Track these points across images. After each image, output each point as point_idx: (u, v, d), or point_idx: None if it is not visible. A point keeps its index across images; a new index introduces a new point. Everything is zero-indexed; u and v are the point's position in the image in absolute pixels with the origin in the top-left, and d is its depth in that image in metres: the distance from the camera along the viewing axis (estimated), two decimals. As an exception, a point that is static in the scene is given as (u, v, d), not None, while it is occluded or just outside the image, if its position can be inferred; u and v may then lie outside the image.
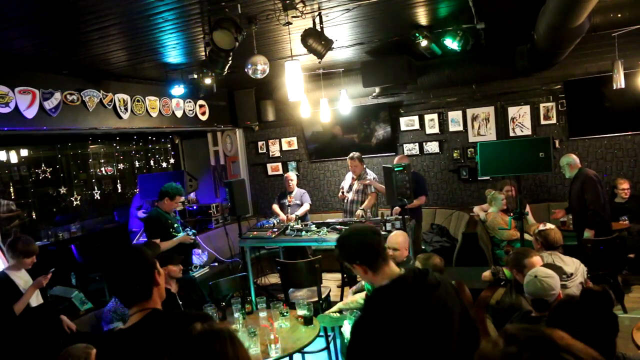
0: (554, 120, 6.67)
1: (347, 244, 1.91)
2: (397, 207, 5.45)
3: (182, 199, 5.88)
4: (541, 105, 6.72)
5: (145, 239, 5.18)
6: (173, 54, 5.18)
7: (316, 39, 4.03)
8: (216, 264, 6.63)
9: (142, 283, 1.78)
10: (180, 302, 3.94)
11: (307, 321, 3.67)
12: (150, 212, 5.11)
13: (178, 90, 5.92)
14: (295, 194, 6.66)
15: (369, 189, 6.13)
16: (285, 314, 3.75)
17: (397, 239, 3.80)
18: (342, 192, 6.39)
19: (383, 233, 4.72)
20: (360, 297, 3.58)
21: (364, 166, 6.30)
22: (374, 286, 1.90)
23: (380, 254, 1.84)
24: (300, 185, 7.15)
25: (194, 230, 5.42)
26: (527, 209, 5.96)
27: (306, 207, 6.60)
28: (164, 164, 9.83)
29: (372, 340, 1.70)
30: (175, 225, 5.03)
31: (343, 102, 6.79)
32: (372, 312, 1.78)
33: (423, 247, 6.32)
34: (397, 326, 1.68)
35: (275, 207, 6.74)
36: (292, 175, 6.80)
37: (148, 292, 1.79)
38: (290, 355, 3.38)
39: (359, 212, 5.92)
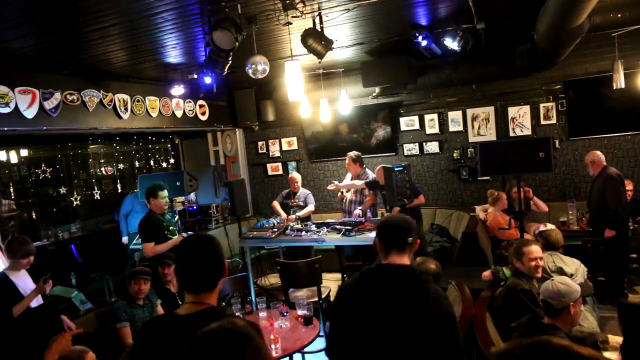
0: (554, 120, 6.67)
1: (384, 220, 2.24)
2: (396, 207, 5.43)
3: (174, 196, 5.73)
4: (541, 105, 6.71)
5: (140, 244, 5.15)
6: (173, 54, 5.18)
7: (316, 39, 4.03)
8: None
9: (213, 272, 1.80)
10: (180, 302, 3.93)
11: (307, 321, 3.67)
12: (144, 215, 5.07)
13: (178, 90, 5.91)
14: (299, 194, 6.62)
15: (368, 190, 6.10)
16: (285, 314, 3.76)
17: None
18: (341, 192, 6.38)
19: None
20: None
21: (364, 166, 6.28)
22: None
23: (396, 243, 2.05)
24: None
25: (190, 232, 5.38)
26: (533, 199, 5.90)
27: (310, 208, 6.53)
28: (164, 164, 9.82)
29: (344, 301, 2.03)
30: (172, 227, 4.97)
31: (343, 102, 6.79)
32: (355, 280, 2.05)
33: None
34: (368, 298, 1.94)
35: (276, 204, 6.69)
36: (296, 175, 6.73)
37: (215, 282, 1.81)
38: (290, 355, 3.38)
39: (357, 211, 5.90)
